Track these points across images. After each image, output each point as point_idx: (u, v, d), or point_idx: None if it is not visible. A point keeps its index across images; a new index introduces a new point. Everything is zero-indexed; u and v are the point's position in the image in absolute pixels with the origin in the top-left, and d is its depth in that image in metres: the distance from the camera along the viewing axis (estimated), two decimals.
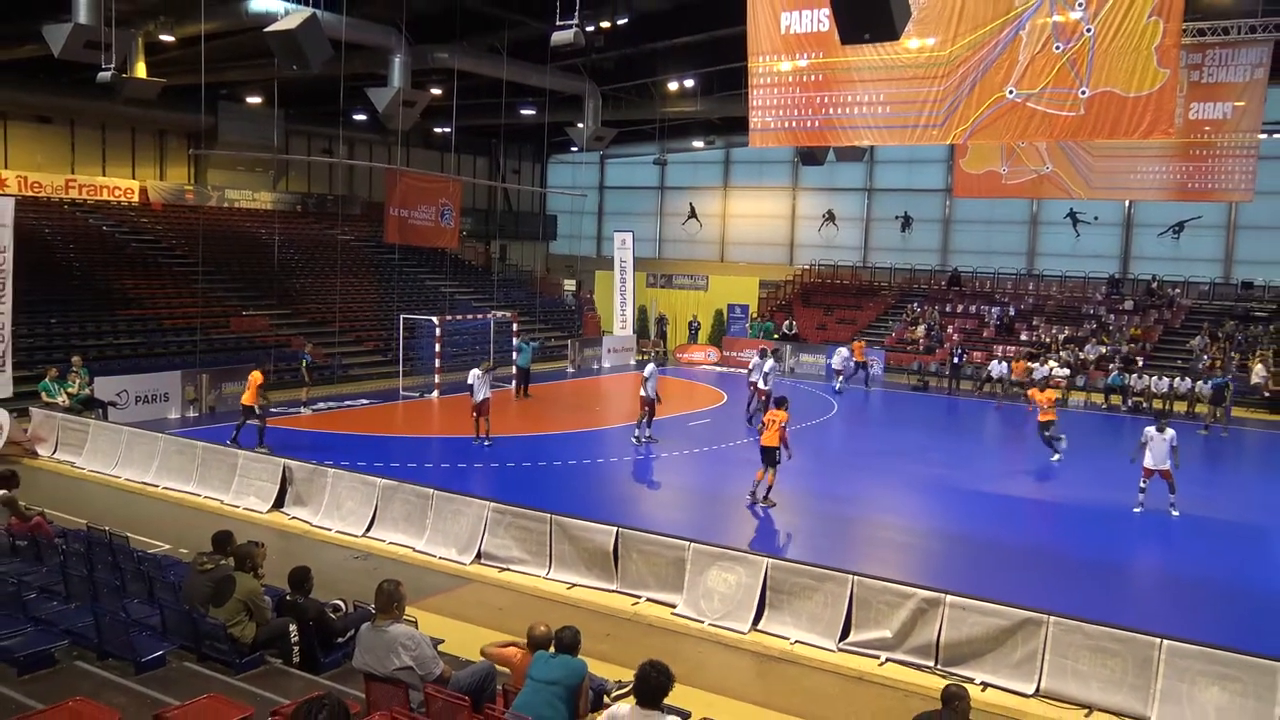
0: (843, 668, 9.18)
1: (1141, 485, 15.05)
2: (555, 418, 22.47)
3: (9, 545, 9.94)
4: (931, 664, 9.03)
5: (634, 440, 18.92)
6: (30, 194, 27.46)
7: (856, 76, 12.94)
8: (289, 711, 3.60)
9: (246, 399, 16.99)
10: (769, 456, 14.50)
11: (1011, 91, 11.79)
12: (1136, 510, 14.99)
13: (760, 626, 9.82)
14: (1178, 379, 26.19)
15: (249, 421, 16.86)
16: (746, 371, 22.55)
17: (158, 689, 6.57)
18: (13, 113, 28.39)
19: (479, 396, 17.83)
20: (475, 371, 18.14)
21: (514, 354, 25.08)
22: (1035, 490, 17.25)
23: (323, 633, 7.65)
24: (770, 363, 21.69)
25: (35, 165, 28.70)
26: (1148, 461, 14.89)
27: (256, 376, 17.01)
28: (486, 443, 17.91)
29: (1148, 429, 15.07)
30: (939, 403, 27.11)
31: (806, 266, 39.30)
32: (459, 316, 27.98)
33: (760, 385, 21.10)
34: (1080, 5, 11.31)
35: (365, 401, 23.00)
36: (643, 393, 18.75)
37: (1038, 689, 8.58)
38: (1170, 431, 14.87)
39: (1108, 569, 12.66)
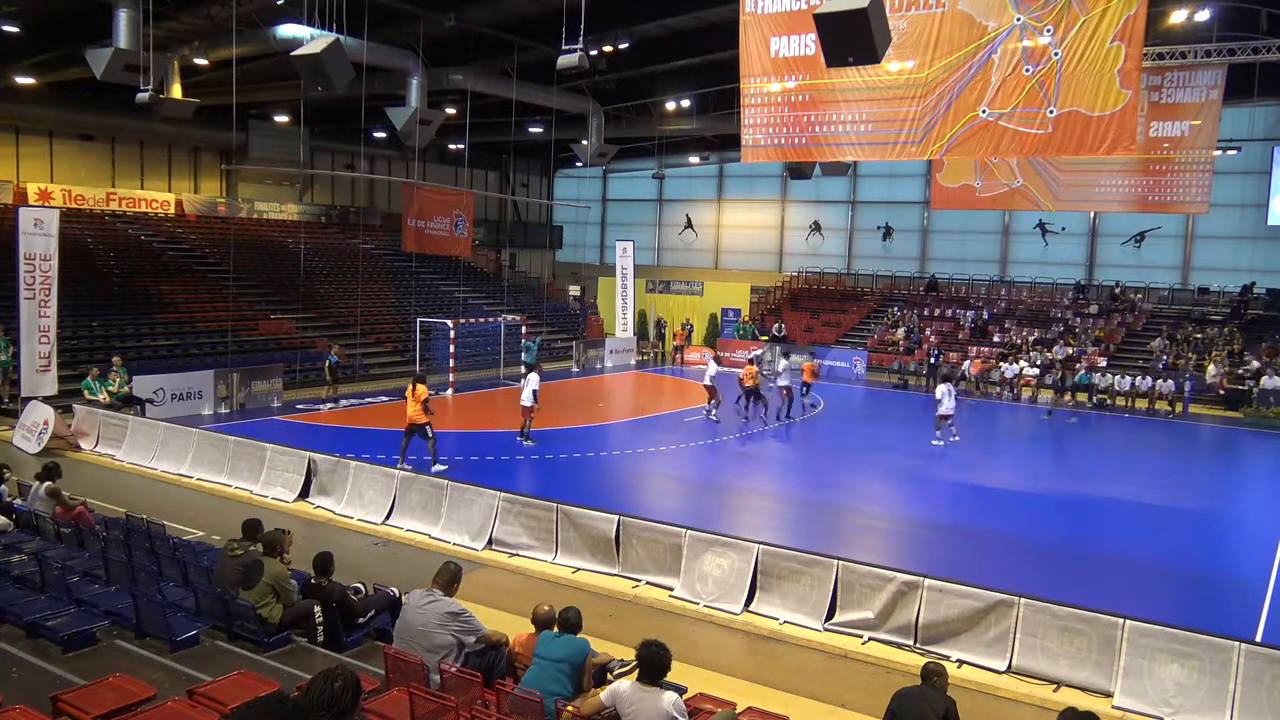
0: (828, 646, 9.17)
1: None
2: (560, 414, 22.41)
3: (54, 532, 9.94)
4: (911, 643, 9.02)
5: (712, 418, 20.88)
6: (74, 206, 27.44)
7: (840, 97, 12.92)
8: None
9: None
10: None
11: (984, 111, 11.77)
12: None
13: (751, 608, 9.82)
14: (1138, 378, 26.26)
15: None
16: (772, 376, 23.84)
17: (191, 665, 6.58)
18: (58, 130, 28.36)
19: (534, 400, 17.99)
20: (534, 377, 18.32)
21: (522, 353, 25.07)
22: (1001, 480, 17.21)
23: (345, 614, 7.64)
24: (784, 363, 23.17)
25: (79, 179, 28.67)
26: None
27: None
28: (527, 442, 17.89)
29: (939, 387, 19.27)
30: (916, 400, 27.07)
31: (795, 273, 39.25)
32: (471, 320, 27.96)
33: (783, 383, 22.26)
34: (1049, 31, 11.29)
35: (385, 398, 22.95)
36: (706, 382, 20.79)
37: (1010, 666, 8.58)
38: (942, 387, 19.25)
39: (1060, 550, 12.66)
